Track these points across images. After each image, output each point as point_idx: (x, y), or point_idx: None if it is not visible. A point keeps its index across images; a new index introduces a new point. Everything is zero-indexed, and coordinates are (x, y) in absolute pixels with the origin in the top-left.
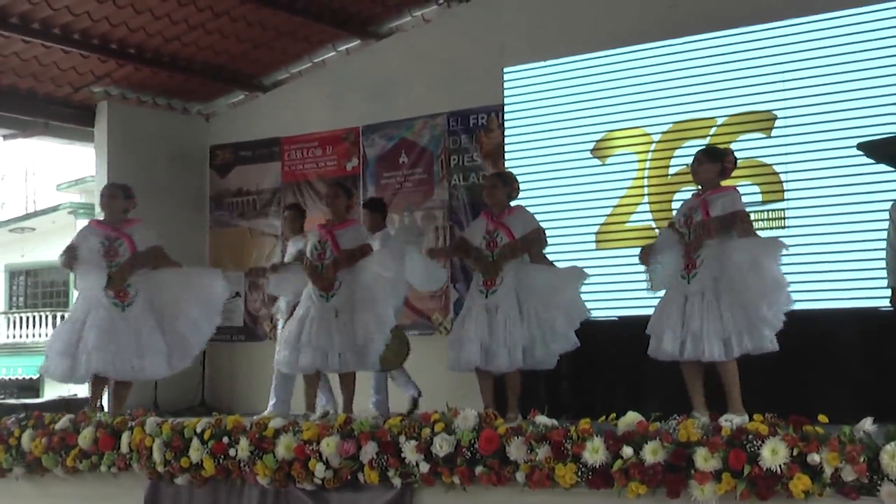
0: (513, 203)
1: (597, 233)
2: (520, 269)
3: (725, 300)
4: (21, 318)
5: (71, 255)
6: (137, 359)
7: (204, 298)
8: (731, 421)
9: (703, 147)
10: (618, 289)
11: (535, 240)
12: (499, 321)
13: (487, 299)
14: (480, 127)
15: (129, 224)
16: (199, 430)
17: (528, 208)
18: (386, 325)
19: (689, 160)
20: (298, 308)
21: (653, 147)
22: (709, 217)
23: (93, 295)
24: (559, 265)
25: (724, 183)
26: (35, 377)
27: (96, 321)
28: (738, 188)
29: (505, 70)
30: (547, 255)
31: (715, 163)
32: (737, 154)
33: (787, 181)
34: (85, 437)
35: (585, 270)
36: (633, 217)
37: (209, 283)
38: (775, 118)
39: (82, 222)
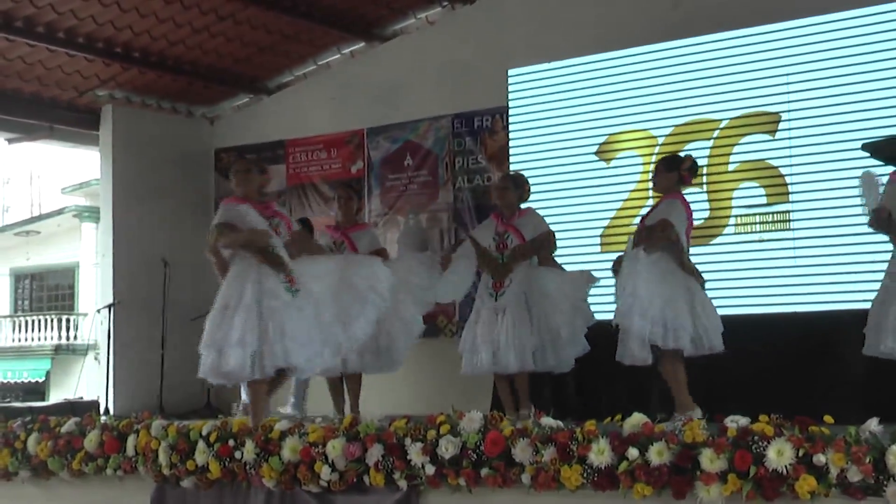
0: (523, 205)
1: (602, 235)
2: (529, 272)
3: None
4: (26, 322)
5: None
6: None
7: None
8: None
9: (662, 156)
10: None
11: (544, 243)
12: (507, 323)
13: (496, 302)
14: (485, 129)
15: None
16: (204, 432)
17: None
18: (412, 328)
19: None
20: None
21: (657, 148)
22: (643, 225)
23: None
24: (565, 268)
25: (686, 189)
26: (41, 380)
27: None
28: (682, 197)
29: (509, 72)
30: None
31: (671, 171)
32: (741, 155)
33: (791, 182)
34: (91, 441)
35: (594, 274)
36: (637, 219)
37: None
38: (780, 119)
39: (87, 226)
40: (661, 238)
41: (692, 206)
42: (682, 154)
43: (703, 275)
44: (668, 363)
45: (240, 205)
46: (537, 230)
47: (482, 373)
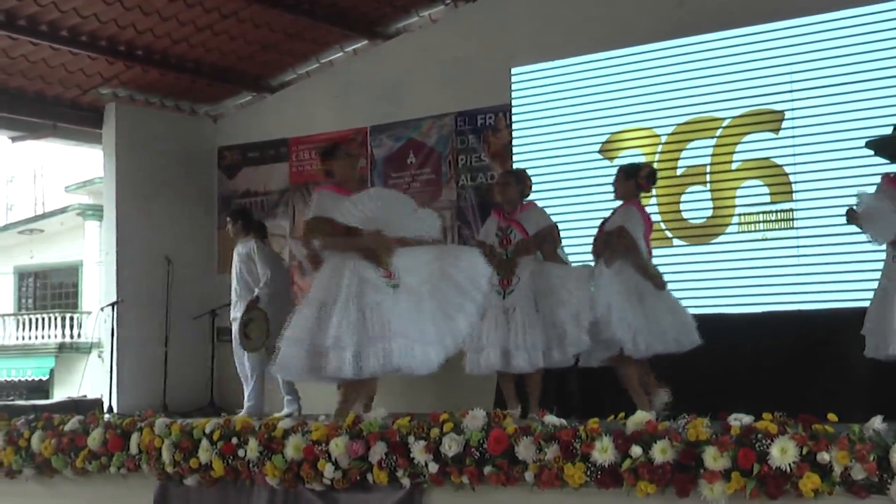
0: (525, 200)
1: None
2: (535, 267)
3: None
4: (30, 320)
5: None
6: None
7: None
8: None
9: (622, 165)
10: None
11: (547, 237)
12: (517, 322)
13: (505, 300)
14: (488, 127)
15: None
16: (208, 430)
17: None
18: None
19: (698, 159)
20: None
21: (661, 146)
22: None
23: None
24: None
25: (644, 195)
26: (44, 378)
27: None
28: (638, 204)
29: (513, 70)
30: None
31: (629, 179)
32: (745, 153)
33: (795, 181)
34: (94, 439)
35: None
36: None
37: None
38: (784, 117)
39: (91, 224)
40: (618, 244)
41: (692, 205)
42: (643, 162)
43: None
44: (631, 368)
45: (337, 194)
46: (540, 224)
47: (488, 372)
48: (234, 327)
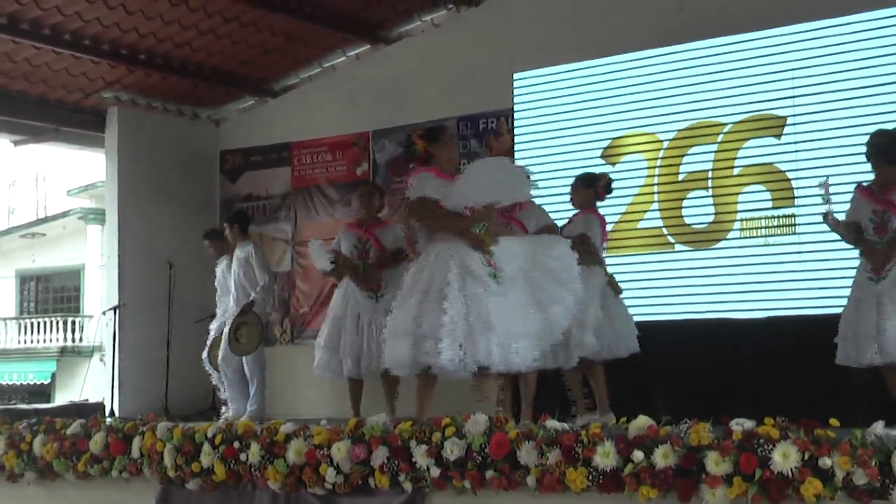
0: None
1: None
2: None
3: None
4: (32, 324)
5: None
6: None
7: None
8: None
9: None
10: (628, 293)
11: (552, 231)
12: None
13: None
14: (490, 131)
15: None
16: (210, 434)
17: None
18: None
19: (700, 164)
20: (336, 310)
21: (662, 151)
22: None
23: None
24: None
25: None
26: (46, 382)
27: None
28: (597, 212)
29: (515, 74)
30: None
31: (588, 188)
32: (747, 159)
33: (797, 186)
34: (96, 443)
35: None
36: (643, 221)
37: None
38: (786, 122)
39: (93, 227)
40: (582, 251)
41: (693, 210)
42: (601, 172)
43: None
44: (599, 370)
45: (439, 178)
46: (541, 222)
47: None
48: (224, 330)
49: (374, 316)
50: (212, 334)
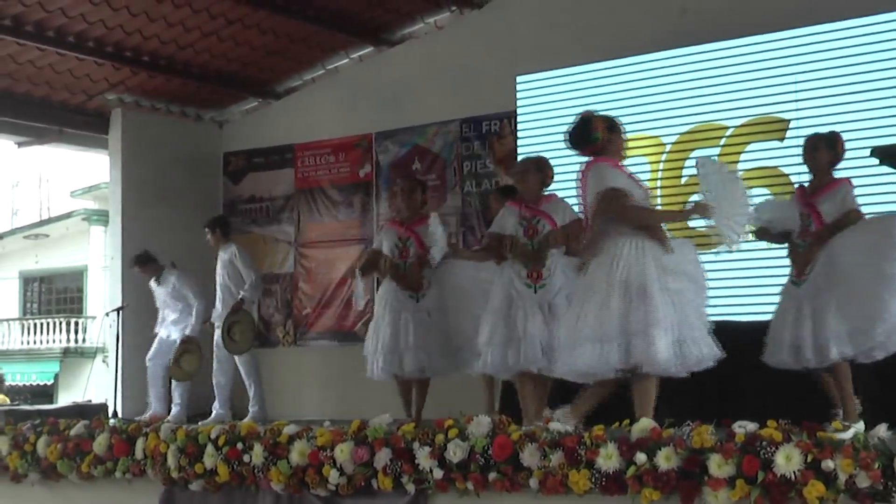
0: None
1: None
2: (565, 262)
3: None
4: (35, 325)
5: None
6: None
7: None
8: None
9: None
10: None
11: (577, 231)
12: (558, 317)
13: (537, 294)
14: (493, 133)
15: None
16: (213, 436)
17: None
18: (482, 328)
19: None
20: (377, 310)
21: (665, 154)
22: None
23: None
24: None
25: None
26: (49, 383)
27: None
28: (556, 195)
29: (518, 77)
30: None
31: (539, 172)
32: (750, 161)
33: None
34: (100, 444)
35: None
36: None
37: None
38: (788, 125)
39: (96, 229)
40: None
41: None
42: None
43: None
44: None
45: (620, 171)
46: (568, 217)
47: (523, 371)
48: (216, 333)
49: (415, 316)
50: (156, 345)
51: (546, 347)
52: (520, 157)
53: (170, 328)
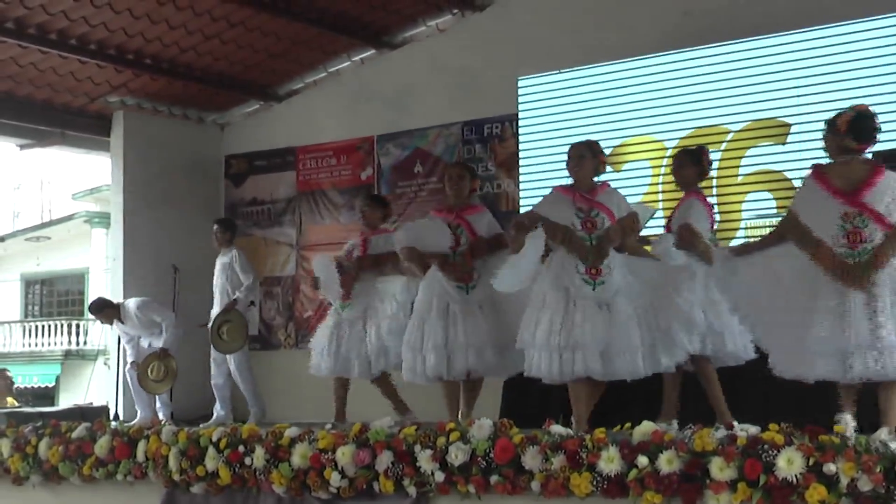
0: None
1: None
2: (624, 257)
3: None
4: (36, 327)
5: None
6: None
7: None
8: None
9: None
10: None
11: (634, 225)
12: (617, 320)
13: (595, 292)
14: (495, 136)
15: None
16: (214, 438)
17: None
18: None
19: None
20: (419, 304)
21: (667, 156)
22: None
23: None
24: None
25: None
26: (51, 385)
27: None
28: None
29: (519, 79)
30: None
31: (594, 157)
32: (751, 163)
33: None
34: (101, 446)
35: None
36: (647, 227)
37: None
38: (789, 128)
39: (97, 231)
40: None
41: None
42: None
43: None
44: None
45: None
46: (623, 210)
47: (578, 377)
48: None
49: (465, 308)
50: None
51: (603, 351)
52: (521, 160)
53: (150, 339)
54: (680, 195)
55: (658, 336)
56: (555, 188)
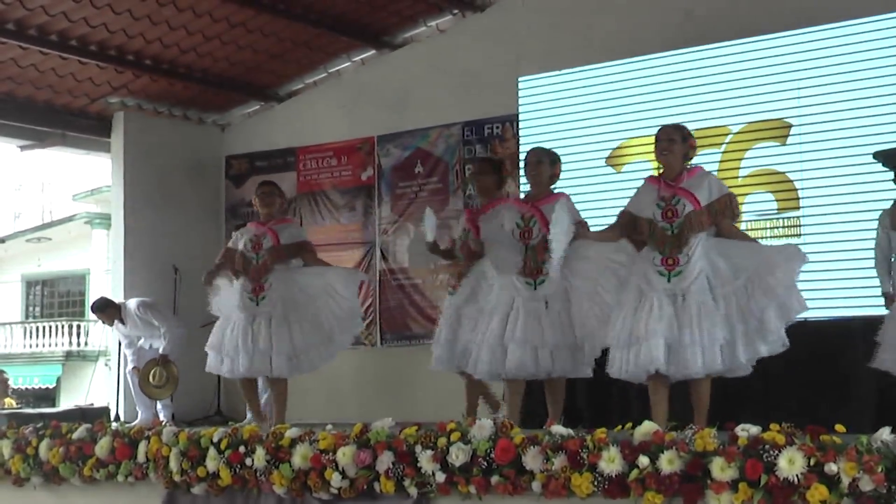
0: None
1: None
2: (707, 244)
3: None
4: (37, 328)
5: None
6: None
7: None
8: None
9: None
10: None
11: (726, 208)
12: (690, 312)
13: (670, 283)
14: (495, 136)
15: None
16: (215, 439)
17: None
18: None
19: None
20: (488, 300)
21: None
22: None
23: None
24: None
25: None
26: (51, 386)
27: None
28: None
29: (520, 79)
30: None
31: (684, 143)
32: (752, 163)
33: (802, 189)
34: (102, 447)
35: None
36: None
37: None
38: (790, 127)
39: (98, 232)
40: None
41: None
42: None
43: None
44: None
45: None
46: (714, 193)
47: (644, 373)
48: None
49: (527, 305)
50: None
51: (671, 346)
52: (522, 161)
53: (150, 339)
54: None
55: (753, 324)
56: (646, 178)
